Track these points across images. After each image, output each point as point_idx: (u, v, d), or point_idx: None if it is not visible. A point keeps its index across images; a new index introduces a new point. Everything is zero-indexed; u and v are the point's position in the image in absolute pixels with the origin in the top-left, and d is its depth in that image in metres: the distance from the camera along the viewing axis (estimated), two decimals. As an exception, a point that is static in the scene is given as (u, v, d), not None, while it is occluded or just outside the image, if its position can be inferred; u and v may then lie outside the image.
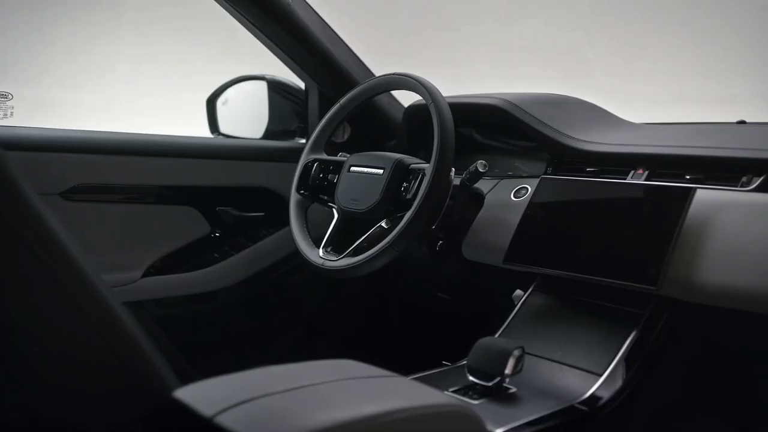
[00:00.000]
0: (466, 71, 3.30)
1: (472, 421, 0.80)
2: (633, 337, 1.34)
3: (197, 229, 1.88)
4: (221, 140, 2.07)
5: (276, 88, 2.08)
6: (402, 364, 1.12)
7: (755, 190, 1.34)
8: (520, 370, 1.23)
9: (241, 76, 2.13)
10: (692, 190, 1.35)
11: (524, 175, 1.75)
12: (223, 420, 0.60)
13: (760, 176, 1.35)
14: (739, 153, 1.40)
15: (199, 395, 0.64)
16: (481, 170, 1.57)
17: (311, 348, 2.04)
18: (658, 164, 1.49)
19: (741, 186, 1.36)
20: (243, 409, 0.62)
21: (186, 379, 0.67)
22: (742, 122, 1.68)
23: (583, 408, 1.24)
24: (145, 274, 1.79)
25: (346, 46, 1.95)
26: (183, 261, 1.87)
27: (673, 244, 1.31)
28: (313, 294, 2.08)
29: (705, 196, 1.35)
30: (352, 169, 1.64)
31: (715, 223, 1.32)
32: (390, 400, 0.71)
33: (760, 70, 2.72)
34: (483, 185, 1.71)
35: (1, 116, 1.72)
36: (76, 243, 0.61)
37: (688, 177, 1.44)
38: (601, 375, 1.30)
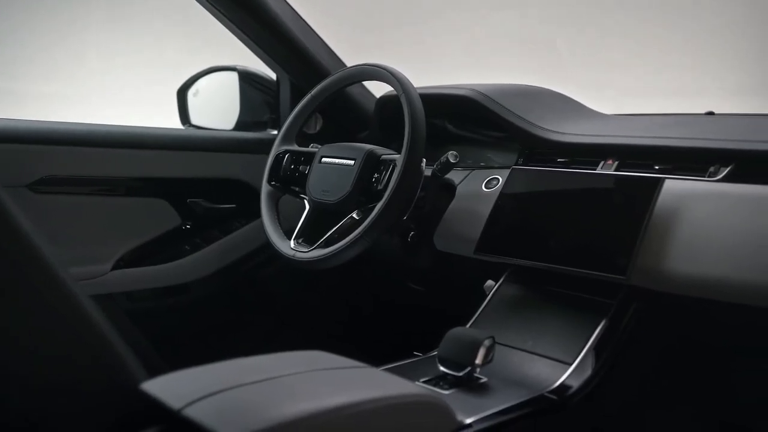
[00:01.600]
0: (440, 63, 3.31)
1: (441, 411, 0.80)
2: (602, 327, 1.35)
3: (168, 221, 1.87)
4: (192, 131, 2.06)
5: (247, 78, 2.07)
6: (373, 355, 1.12)
7: (722, 180, 1.36)
8: (491, 360, 1.23)
9: (211, 67, 2.11)
10: (661, 180, 1.36)
11: (496, 165, 1.76)
12: (190, 412, 0.60)
13: (727, 166, 1.36)
14: (707, 143, 1.42)
15: (167, 387, 0.64)
16: (452, 161, 1.57)
17: (283, 340, 2.04)
18: (627, 155, 1.50)
19: (709, 176, 1.38)
20: (211, 401, 0.62)
21: (157, 373, 0.67)
22: (711, 113, 1.70)
23: (553, 397, 1.25)
24: (115, 267, 1.78)
25: (318, 36, 1.94)
26: (153, 253, 1.85)
27: (641, 234, 1.32)
28: (285, 285, 2.07)
29: (673, 186, 1.37)
30: (324, 160, 1.64)
31: (683, 213, 1.33)
32: (359, 390, 0.71)
33: (729, 63, 2.75)
34: (455, 176, 1.72)
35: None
36: (42, 236, 0.60)
37: (657, 167, 1.45)
38: (571, 364, 1.31)
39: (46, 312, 0.59)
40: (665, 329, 1.45)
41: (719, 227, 1.29)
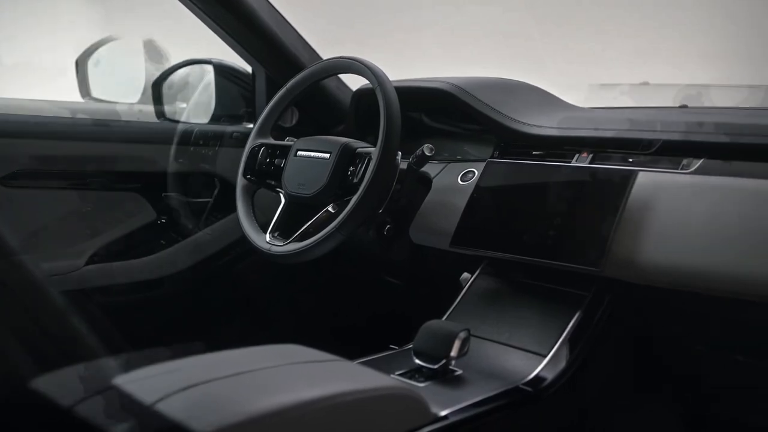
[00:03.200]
0: (416, 56, 3.31)
1: (416, 403, 0.81)
2: (577, 318, 1.36)
3: (143, 216, 1.85)
4: (167, 125, 2.04)
5: (223, 72, 2.05)
6: (349, 349, 1.12)
7: (695, 172, 1.37)
8: (466, 352, 1.24)
9: (187, 60, 2.09)
10: (635, 173, 1.37)
11: (471, 159, 1.76)
12: (163, 407, 0.60)
13: (699, 159, 1.37)
14: (680, 136, 1.43)
15: (140, 382, 0.64)
16: (427, 154, 1.57)
17: (260, 334, 2.03)
18: (602, 147, 1.50)
19: (681, 169, 1.39)
20: (184, 395, 0.62)
21: (132, 368, 0.66)
22: (684, 107, 1.71)
23: (528, 389, 1.26)
24: (89, 262, 1.76)
25: (293, 29, 1.93)
26: (128, 248, 1.84)
27: (615, 227, 1.33)
28: (261, 279, 2.06)
29: (647, 178, 1.38)
30: (299, 153, 1.63)
31: (656, 205, 1.34)
32: (334, 383, 0.71)
33: (708, 57, 2.77)
34: (431, 169, 1.72)
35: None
36: (13, 231, 0.59)
37: (631, 160, 1.46)
38: (545, 356, 1.32)
39: (16, 308, 0.58)
40: (639, 320, 1.46)
41: (692, 219, 1.30)
